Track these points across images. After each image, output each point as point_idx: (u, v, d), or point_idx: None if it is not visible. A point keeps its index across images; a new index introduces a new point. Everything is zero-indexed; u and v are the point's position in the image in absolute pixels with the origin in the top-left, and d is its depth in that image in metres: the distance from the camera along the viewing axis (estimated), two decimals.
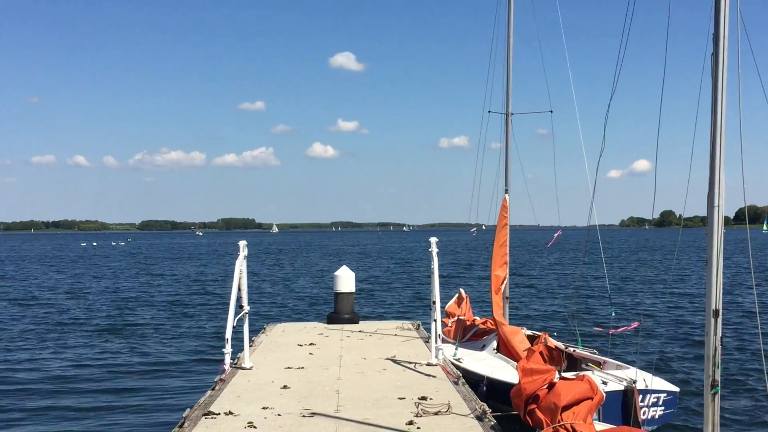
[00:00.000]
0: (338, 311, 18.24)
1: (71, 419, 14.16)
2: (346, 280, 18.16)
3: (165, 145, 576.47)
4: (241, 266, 12.33)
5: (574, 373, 11.40)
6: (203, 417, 9.37)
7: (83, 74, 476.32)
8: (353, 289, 18.45)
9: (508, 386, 11.27)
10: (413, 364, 12.81)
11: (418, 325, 17.94)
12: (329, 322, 18.19)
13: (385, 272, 58.12)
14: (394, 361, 13.20)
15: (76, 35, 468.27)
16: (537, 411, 8.36)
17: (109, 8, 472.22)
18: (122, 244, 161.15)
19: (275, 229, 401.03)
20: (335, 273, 18.40)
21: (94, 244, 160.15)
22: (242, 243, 12.64)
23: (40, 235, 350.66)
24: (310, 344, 15.11)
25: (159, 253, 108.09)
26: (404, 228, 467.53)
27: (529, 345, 14.29)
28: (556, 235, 16.94)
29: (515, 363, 13.34)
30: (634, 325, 13.27)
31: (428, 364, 12.71)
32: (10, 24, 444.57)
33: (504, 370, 13.01)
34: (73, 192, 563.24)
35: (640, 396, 11.25)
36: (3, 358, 20.44)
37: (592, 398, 8.39)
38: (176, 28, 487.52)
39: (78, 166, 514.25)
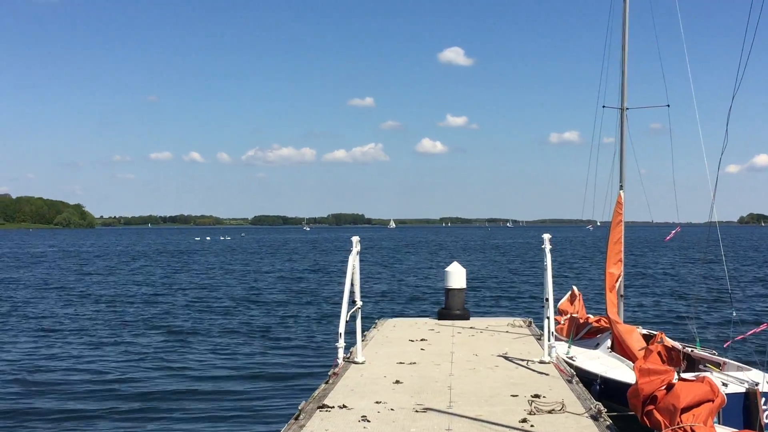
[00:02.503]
0: (449, 307, 18.22)
1: (190, 417, 14.59)
2: (456, 275, 18.11)
3: (277, 142, 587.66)
4: (354, 261, 12.45)
5: (694, 374, 11.09)
6: (318, 410, 9.52)
7: (198, 73, 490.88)
8: (464, 285, 18.38)
9: (623, 386, 11.06)
10: (525, 362, 12.70)
11: (530, 322, 17.77)
12: (440, 318, 18.19)
13: (495, 268, 57.78)
14: (506, 358, 13.11)
15: (190, 35, 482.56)
16: (655, 412, 8.16)
17: (222, 8, 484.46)
18: (228, 238, 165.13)
19: (392, 225, 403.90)
20: (446, 269, 18.38)
21: (207, 238, 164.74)
22: (355, 238, 12.76)
23: (157, 230, 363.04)
24: (422, 340, 15.15)
25: (265, 248, 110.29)
26: (507, 224, 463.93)
27: (645, 344, 13.96)
28: (674, 231, 16.48)
29: (630, 362, 13.07)
30: (763, 326, 12.79)
31: (541, 362, 12.57)
32: (132, 24, 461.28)
33: (619, 370, 12.76)
34: (189, 188, 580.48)
35: (763, 399, 10.85)
36: (128, 357, 21.15)
37: (712, 400, 8.13)
38: (286, 26, 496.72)
39: (193, 162, 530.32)
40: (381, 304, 31.45)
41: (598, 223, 18.00)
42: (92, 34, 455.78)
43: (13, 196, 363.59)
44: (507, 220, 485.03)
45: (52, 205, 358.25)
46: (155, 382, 16.96)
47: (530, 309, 27.75)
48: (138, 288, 40.89)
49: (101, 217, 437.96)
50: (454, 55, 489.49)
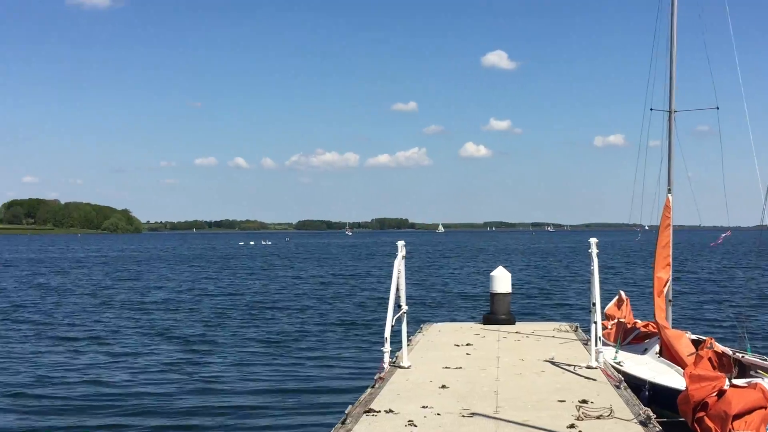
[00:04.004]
0: (494, 312, 18.12)
1: (236, 418, 14.70)
2: (502, 280, 18.02)
3: (320, 147, 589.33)
4: (399, 266, 12.45)
5: (745, 380, 10.91)
6: (364, 414, 9.54)
7: (242, 78, 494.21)
8: (509, 290, 18.28)
9: (672, 392, 10.93)
10: (572, 367, 12.59)
11: (576, 327, 17.61)
12: (485, 323, 18.11)
13: (539, 272, 57.42)
14: (553, 363, 13.00)
15: (233, 40, 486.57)
16: (706, 419, 8.07)
17: (266, 13, 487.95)
18: (269, 243, 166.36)
19: (441, 229, 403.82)
20: (491, 273, 18.29)
21: (251, 243, 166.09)
22: (400, 243, 12.76)
23: (202, 235, 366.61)
24: (467, 344, 15.10)
25: (306, 252, 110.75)
26: (548, 228, 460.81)
27: (694, 350, 13.77)
28: (723, 235, 16.25)
29: (679, 368, 12.91)
30: None
31: (588, 367, 12.45)
32: (176, 29, 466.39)
33: (668, 375, 12.60)
34: (234, 193, 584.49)
35: None
36: (159, 369, 21.25)
37: (765, 407, 8.02)
38: (329, 31, 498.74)
39: (238, 167, 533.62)
40: (426, 309, 31.39)
41: (646, 227, 17.79)
42: (138, 39, 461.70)
43: (62, 202, 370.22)
44: (549, 224, 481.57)
45: (100, 211, 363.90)
46: (189, 396, 16.35)
47: (576, 314, 27.49)
48: (172, 294, 41.17)
49: (148, 222, 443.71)
50: (497, 58, 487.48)
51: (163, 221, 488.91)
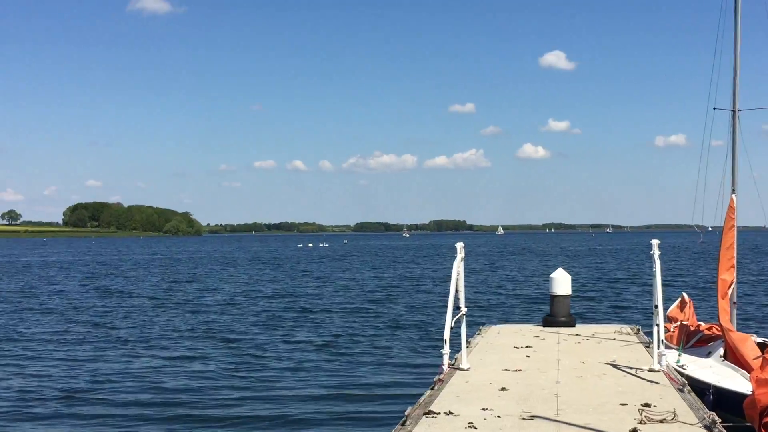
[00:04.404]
0: (554, 314, 17.98)
1: (293, 422, 14.82)
2: (562, 282, 17.87)
3: (378, 149, 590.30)
4: (458, 268, 12.43)
5: None
6: (424, 416, 9.55)
7: (300, 81, 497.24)
8: (569, 292, 18.11)
9: (738, 396, 10.74)
10: (634, 370, 12.43)
11: (638, 329, 17.37)
12: (545, 325, 17.97)
13: (599, 274, 56.78)
14: (614, 366, 12.85)
15: (291, 43, 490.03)
16: None
17: (323, 16, 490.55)
18: (326, 245, 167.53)
19: (500, 231, 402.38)
20: (551, 275, 18.15)
21: (309, 245, 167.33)
22: (459, 245, 12.75)
23: (261, 237, 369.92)
24: (527, 347, 15.00)
25: (362, 254, 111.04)
26: (607, 229, 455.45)
27: (760, 353, 13.48)
28: None
29: (745, 372, 12.66)
30: None
31: (650, 370, 12.28)
32: (235, 33, 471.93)
33: (733, 379, 12.37)
34: (292, 195, 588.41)
35: None
36: (214, 374, 21.42)
37: None
38: (386, 33, 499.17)
39: (296, 170, 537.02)
40: (485, 311, 31.28)
41: (710, 228, 17.49)
42: (198, 44, 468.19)
43: (125, 205, 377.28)
44: (608, 226, 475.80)
45: (162, 214, 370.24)
46: (247, 401, 16.21)
47: (637, 317, 27.13)
48: (228, 296, 41.61)
49: (208, 224, 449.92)
50: (555, 59, 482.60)
51: (223, 224, 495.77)
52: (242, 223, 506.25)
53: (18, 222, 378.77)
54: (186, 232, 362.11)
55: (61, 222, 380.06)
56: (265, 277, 58.23)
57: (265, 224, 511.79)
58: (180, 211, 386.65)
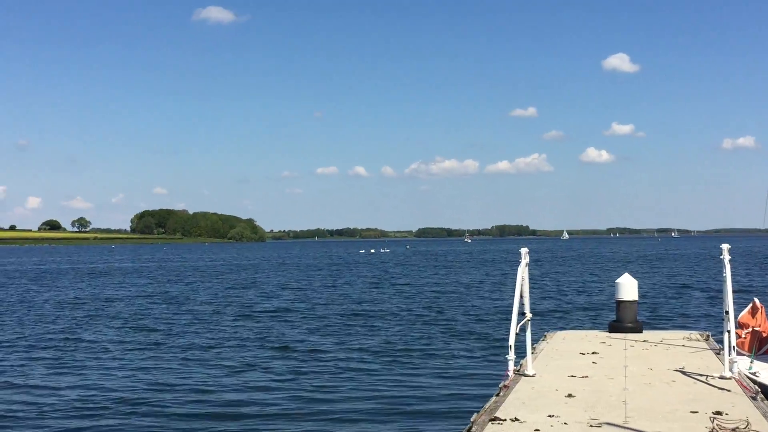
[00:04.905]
0: (620, 320, 17.74)
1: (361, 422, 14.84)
2: (628, 287, 17.63)
3: (439, 154, 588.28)
4: (523, 273, 12.35)
5: None
6: (490, 422, 9.49)
7: (361, 87, 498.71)
8: (636, 297, 17.85)
9: None
10: (704, 377, 12.17)
11: (708, 335, 17.03)
12: (611, 331, 17.74)
13: (666, 279, 55.85)
14: (683, 373, 12.61)
15: (351, 50, 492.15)
16: None
17: (383, 21, 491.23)
18: (387, 251, 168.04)
19: (565, 236, 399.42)
20: (617, 280, 17.91)
21: (372, 251, 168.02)
22: (524, 250, 12.65)
23: (323, 243, 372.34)
24: (593, 353, 14.82)
25: (424, 260, 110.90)
26: (673, 233, 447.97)
27: None
28: None
29: None
30: None
31: (721, 377, 12.01)
32: (297, 41, 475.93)
33: None
34: (355, 201, 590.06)
35: None
36: (256, 385, 21.53)
37: None
38: (447, 37, 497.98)
39: (358, 176, 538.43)
40: (550, 317, 31.00)
41: None
42: (260, 51, 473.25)
43: (190, 212, 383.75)
44: (673, 230, 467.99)
45: (226, 220, 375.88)
46: (305, 412, 15.82)
47: (706, 323, 26.60)
48: (286, 302, 41.87)
49: (271, 231, 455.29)
50: (619, 61, 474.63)
51: (286, 230, 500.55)
52: (305, 229, 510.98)
53: (87, 229, 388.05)
54: (250, 238, 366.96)
55: (128, 229, 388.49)
56: (325, 283, 58.55)
57: (327, 230, 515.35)
58: (244, 217, 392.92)
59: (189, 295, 46.76)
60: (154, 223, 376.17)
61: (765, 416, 9.61)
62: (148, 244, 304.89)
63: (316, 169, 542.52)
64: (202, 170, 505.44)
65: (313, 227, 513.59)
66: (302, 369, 20.54)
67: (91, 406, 16.47)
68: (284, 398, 16.98)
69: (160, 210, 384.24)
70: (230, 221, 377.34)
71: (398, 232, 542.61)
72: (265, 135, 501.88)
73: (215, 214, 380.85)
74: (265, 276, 69.74)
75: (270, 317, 33.57)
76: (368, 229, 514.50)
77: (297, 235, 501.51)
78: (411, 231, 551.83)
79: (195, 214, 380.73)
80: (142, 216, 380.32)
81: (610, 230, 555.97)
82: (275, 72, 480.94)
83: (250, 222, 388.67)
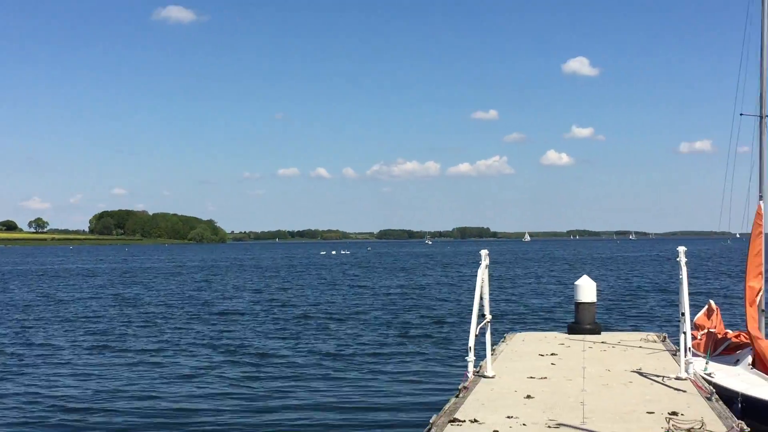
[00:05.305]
0: (579, 321, 17.91)
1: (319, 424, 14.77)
2: (587, 289, 17.81)
3: (401, 156, 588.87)
4: (483, 275, 12.41)
5: None
6: (449, 424, 9.52)
7: (323, 88, 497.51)
8: (594, 299, 18.04)
9: (767, 404, 10.62)
10: (661, 378, 12.33)
11: (665, 337, 17.25)
12: (570, 333, 17.91)
13: (624, 282, 56.43)
14: (640, 374, 12.77)
15: (312, 51, 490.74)
16: None
17: (343, 20, 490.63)
18: (347, 252, 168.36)
19: (527, 238, 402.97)
20: (576, 282, 18.10)
21: (333, 252, 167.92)
22: (484, 252, 12.72)
23: (284, 244, 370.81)
24: (552, 354, 14.94)
25: (384, 262, 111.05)
26: (630, 236, 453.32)
27: None
28: None
29: None
30: None
31: (677, 378, 12.18)
32: (258, 42, 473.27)
33: (762, 388, 12.23)
34: (316, 202, 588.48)
35: None
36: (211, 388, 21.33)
37: None
38: (408, 39, 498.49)
39: (319, 177, 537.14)
40: (509, 318, 31.15)
41: (737, 235, 17.35)
42: (221, 52, 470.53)
43: (150, 213, 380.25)
44: (631, 232, 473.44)
45: (186, 221, 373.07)
46: (258, 413, 15.70)
47: (662, 324, 26.90)
48: (241, 304, 41.67)
49: (232, 232, 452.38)
50: (579, 65, 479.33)
51: (247, 231, 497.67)
52: (266, 230, 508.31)
53: (45, 230, 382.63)
54: (210, 239, 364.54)
55: (87, 230, 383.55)
56: (283, 284, 58.25)
57: (288, 231, 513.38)
58: (204, 218, 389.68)
59: (144, 298, 46.17)
60: (114, 224, 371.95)
61: (719, 416, 9.76)
62: (107, 245, 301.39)
63: (277, 171, 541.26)
64: (163, 171, 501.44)
65: (274, 229, 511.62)
66: (256, 373, 20.09)
67: (35, 413, 15.98)
68: (236, 403, 16.56)
69: (120, 210, 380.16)
70: (191, 222, 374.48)
71: (360, 233, 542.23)
72: (226, 136, 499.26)
73: (175, 215, 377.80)
74: (222, 278, 69.18)
75: (225, 320, 33.06)
76: (329, 231, 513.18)
77: (258, 237, 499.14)
78: (372, 233, 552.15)
79: (155, 214, 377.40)
80: (101, 216, 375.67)
81: (569, 232, 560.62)
82: (236, 72, 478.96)
83: (210, 223, 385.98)
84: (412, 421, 14.15)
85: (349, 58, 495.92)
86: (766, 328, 15.56)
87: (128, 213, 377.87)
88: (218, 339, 26.69)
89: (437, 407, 10.94)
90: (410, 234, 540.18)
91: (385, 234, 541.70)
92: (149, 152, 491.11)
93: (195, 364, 21.70)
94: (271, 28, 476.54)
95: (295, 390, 17.95)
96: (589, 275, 18.60)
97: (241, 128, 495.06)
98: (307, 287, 54.66)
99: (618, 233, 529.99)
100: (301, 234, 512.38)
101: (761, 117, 15.44)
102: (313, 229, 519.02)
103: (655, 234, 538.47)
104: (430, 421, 9.56)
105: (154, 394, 17.71)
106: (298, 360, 22.12)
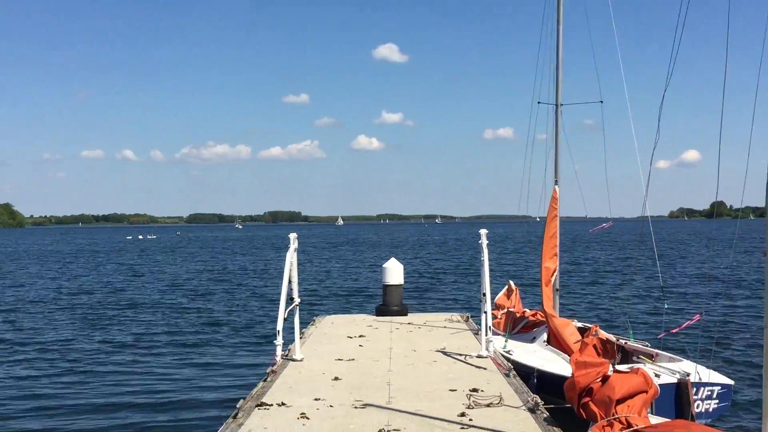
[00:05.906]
0: (387, 303, 18.26)
1: (122, 411, 14.32)
2: (394, 272, 18.16)
3: (211, 139, 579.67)
4: (291, 258, 12.37)
5: (628, 365, 11.28)
6: (256, 408, 9.45)
7: (130, 69, 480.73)
8: (402, 281, 18.44)
9: (559, 379, 11.20)
10: (463, 356, 12.78)
11: (468, 317, 17.88)
12: (378, 315, 18.22)
13: (431, 264, 58.08)
14: (444, 353, 13.17)
15: (122, 30, 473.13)
16: (591, 404, 8.28)
17: (156, 1, 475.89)
18: (154, 237, 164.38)
19: (340, 222, 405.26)
20: (384, 265, 18.40)
21: (139, 237, 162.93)
22: (293, 235, 12.69)
23: (88, 229, 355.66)
24: (360, 336, 15.15)
25: (192, 247, 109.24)
26: (436, 220, 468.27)
27: (580, 337, 14.17)
28: (603, 225, 16.80)
29: (566, 355, 13.27)
30: (696, 318, 13.08)
31: (478, 356, 12.66)
32: (65, 18, 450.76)
33: (555, 363, 12.92)
34: (122, 186, 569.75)
35: (694, 389, 11.09)
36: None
37: (646, 391, 8.28)
38: (218, 20, 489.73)
39: (126, 160, 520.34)
40: (319, 302, 31.32)
41: (538, 219, 18.17)
42: (29, 27, 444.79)
43: None
44: (437, 216, 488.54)
45: None
46: (47, 413, 14.74)
47: (467, 305, 27.90)
48: (32, 293, 39.96)
49: (31, 216, 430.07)
50: (388, 51, 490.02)
51: (48, 215, 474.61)
52: (68, 214, 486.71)
53: None
54: (7, 223, 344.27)
55: None
56: (83, 272, 55.90)
57: (92, 216, 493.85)
58: (0, 201, 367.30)
59: None
60: None
61: (516, 391, 10.22)
62: None
63: (81, 152, 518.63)
64: None
65: (77, 212, 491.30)
66: (53, 365, 18.99)
67: None
68: (22, 405, 15.26)
69: None
70: None
71: (169, 217, 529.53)
72: (25, 114, 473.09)
73: None
74: (16, 266, 65.20)
75: (16, 310, 30.79)
76: (136, 215, 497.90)
77: (60, 221, 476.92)
78: (182, 217, 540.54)
79: None
80: None
81: (380, 216, 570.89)
82: (37, 46, 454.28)
83: (7, 207, 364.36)
84: (220, 408, 13.93)
85: (157, 38, 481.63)
86: (560, 306, 16.43)
87: None
88: (7, 331, 24.97)
89: (246, 393, 10.81)
90: (221, 218, 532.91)
91: (194, 218, 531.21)
92: None
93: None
94: (79, 3, 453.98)
95: (99, 380, 17.17)
96: (397, 258, 18.97)
97: (41, 107, 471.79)
98: (110, 274, 52.61)
99: (426, 217, 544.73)
100: (106, 218, 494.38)
101: (557, 105, 16.22)
102: (119, 213, 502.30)
103: (461, 218, 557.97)
104: (237, 406, 9.44)
105: None
106: (100, 349, 21.22)
